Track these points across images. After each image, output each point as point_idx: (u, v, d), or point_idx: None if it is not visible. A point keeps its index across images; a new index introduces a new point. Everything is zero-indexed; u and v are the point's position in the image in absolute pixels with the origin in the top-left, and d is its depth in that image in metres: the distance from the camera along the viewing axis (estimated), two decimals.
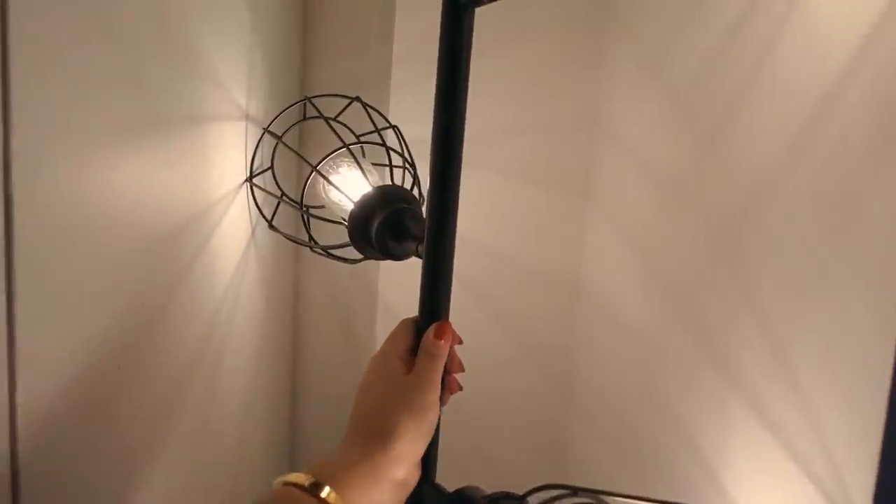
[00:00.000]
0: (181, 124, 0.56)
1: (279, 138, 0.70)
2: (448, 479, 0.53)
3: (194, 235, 0.60)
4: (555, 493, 0.45)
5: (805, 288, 0.45)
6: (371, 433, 0.43)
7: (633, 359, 0.73)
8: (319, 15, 0.85)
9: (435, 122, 0.48)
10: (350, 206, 0.64)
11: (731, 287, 0.53)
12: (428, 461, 0.50)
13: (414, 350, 0.48)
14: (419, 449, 0.45)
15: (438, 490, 0.51)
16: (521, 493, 0.47)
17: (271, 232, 0.75)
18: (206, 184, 0.62)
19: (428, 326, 0.48)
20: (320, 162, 0.67)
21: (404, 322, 0.50)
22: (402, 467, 0.43)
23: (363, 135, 0.71)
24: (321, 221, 0.71)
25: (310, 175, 0.67)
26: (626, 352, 0.75)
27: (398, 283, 0.85)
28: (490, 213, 0.87)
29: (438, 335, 0.47)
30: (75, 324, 0.45)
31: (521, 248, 0.90)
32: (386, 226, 0.59)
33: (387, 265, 0.81)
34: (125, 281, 0.50)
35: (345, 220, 0.65)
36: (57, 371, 0.43)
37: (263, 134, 0.71)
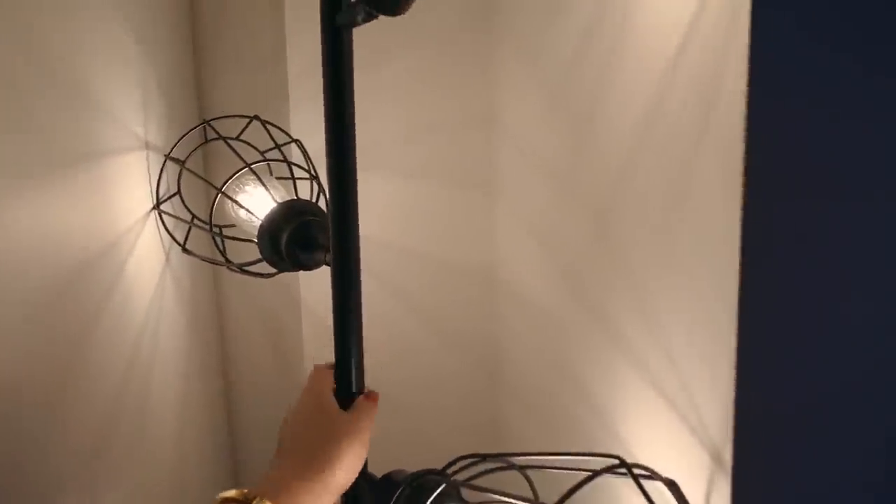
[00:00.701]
0: (78, 161, 0.57)
1: (182, 164, 0.72)
2: (384, 465, 0.57)
3: (105, 268, 0.61)
4: (468, 461, 0.50)
5: (663, 256, 0.51)
6: (313, 460, 0.48)
7: (545, 336, 0.79)
8: (211, 37, 0.86)
9: (326, 137, 0.52)
10: (258, 223, 0.67)
11: (610, 262, 0.59)
12: None
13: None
14: (354, 475, 0.50)
15: (367, 478, 0.55)
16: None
17: (186, 256, 0.76)
18: (112, 216, 0.63)
19: (343, 329, 0.52)
20: (225, 183, 0.69)
21: (319, 367, 0.55)
22: (339, 490, 0.48)
23: (265, 151, 0.74)
24: (235, 240, 0.74)
25: (215, 197, 0.69)
26: (540, 330, 0.81)
27: (319, 286, 0.88)
28: (402, 214, 0.91)
29: (373, 397, 0.53)
30: None
31: (435, 246, 0.94)
32: (294, 238, 0.62)
33: (305, 273, 0.84)
34: (39, 319, 0.51)
35: (254, 237, 0.67)
36: None
37: (165, 161, 0.73)
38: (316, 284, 0.87)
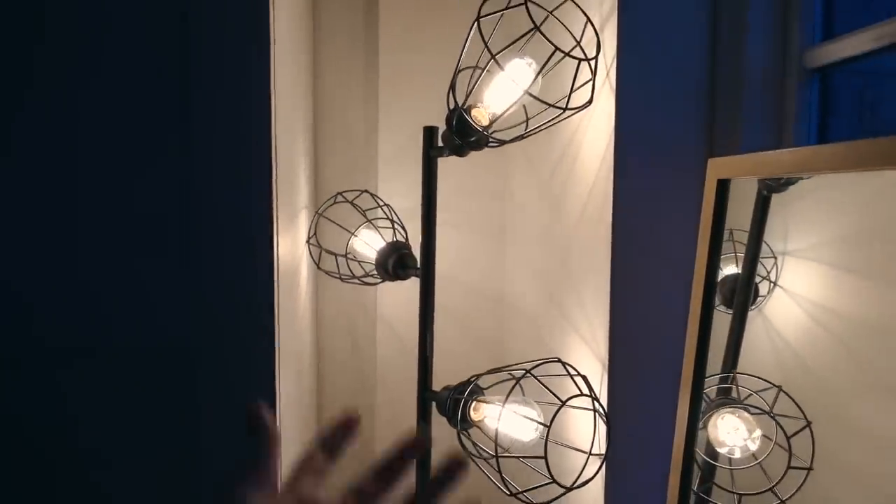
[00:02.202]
0: (294, 213, 1.08)
1: (321, 215, 1.23)
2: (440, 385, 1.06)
3: (297, 269, 1.12)
4: (482, 374, 0.98)
5: (586, 272, 1.01)
6: None
7: (532, 327, 1.29)
8: (326, 135, 1.39)
9: (422, 209, 1.02)
10: (370, 252, 1.18)
11: (566, 278, 1.09)
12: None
13: None
14: None
15: (430, 391, 1.03)
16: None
17: (315, 270, 1.27)
18: (298, 242, 1.14)
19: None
20: (356, 230, 1.20)
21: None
22: None
23: (367, 210, 1.25)
24: (337, 262, 1.24)
25: (350, 238, 1.20)
26: (529, 324, 1.30)
27: (391, 302, 1.39)
28: (450, 254, 1.43)
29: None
30: None
31: (467, 275, 1.45)
32: (397, 263, 1.12)
33: (382, 292, 1.34)
34: (287, 292, 1.01)
35: (368, 261, 1.18)
36: None
37: (315, 215, 1.24)
38: (388, 300, 1.38)
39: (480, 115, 0.92)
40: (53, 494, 0.81)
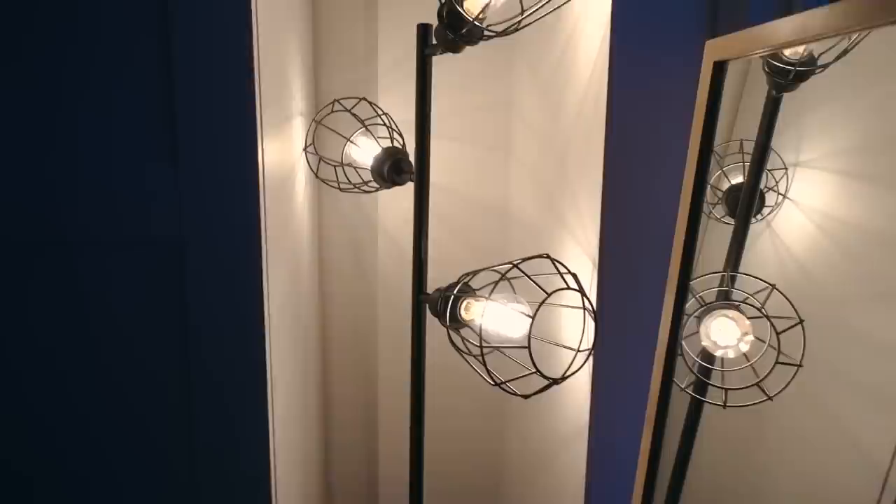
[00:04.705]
0: (285, 120, 1.07)
1: (319, 123, 1.22)
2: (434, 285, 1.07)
3: (293, 175, 1.12)
4: (471, 274, 0.99)
5: (583, 176, 0.98)
6: None
7: (532, 236, 1.28)
8: (325, 48, 1.36)
9: (416, 113, 1.00)
10: (366, 160, 1.16)
11: (564, 184, 1.07)
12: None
13: None
14: None
15: (424, 294, 1.04)
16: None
17: (314, 178, 1.27)
18: (293, 149, 1.13)
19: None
20: (352, 136, 1.19)
21: None
22: None
23: (366, 119, 1.23)
24: (336, 172, 1.23)
25: (346, 144, 1.19)
26: (529, 234, 1.30)
27: (391, 210, 1.39)
28: (451, 165, 1.41)
29: None
30: None
31: (473, 188, 1.44)
32: (392, 168, 1.11)
33: (383, 204, 1.34)
34: (275, 195, 1.01)
35: (363, 168, 1.17)
36: None
37: (311, 122, 1.23)
38: (390, 212, 1.38)
39: (472, 6, 0.88)
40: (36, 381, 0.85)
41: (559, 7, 0.84)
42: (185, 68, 0.77)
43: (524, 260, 0.86)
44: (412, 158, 1.04)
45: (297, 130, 1.21)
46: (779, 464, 1.11)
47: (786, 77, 0.94)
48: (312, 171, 1.26)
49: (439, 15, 0.91)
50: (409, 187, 1.14)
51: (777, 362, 0.88)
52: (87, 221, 0.79)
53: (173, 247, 0.79)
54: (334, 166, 1.24)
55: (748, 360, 0.95)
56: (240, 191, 0.78)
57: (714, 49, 0.78)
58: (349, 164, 1.22)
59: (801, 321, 0.90)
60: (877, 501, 0.95)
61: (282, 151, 1.04)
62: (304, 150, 1.24)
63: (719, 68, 0.78)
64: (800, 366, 0.89)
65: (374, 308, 1.51)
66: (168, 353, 0.83)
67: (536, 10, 0.85)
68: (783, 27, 0.68)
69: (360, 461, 1.59)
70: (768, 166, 1.12)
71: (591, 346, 0.87)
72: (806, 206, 1.15)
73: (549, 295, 0.80)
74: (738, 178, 1.15)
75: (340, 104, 1.24)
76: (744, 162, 1.12)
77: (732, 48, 0.76)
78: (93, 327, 0.82)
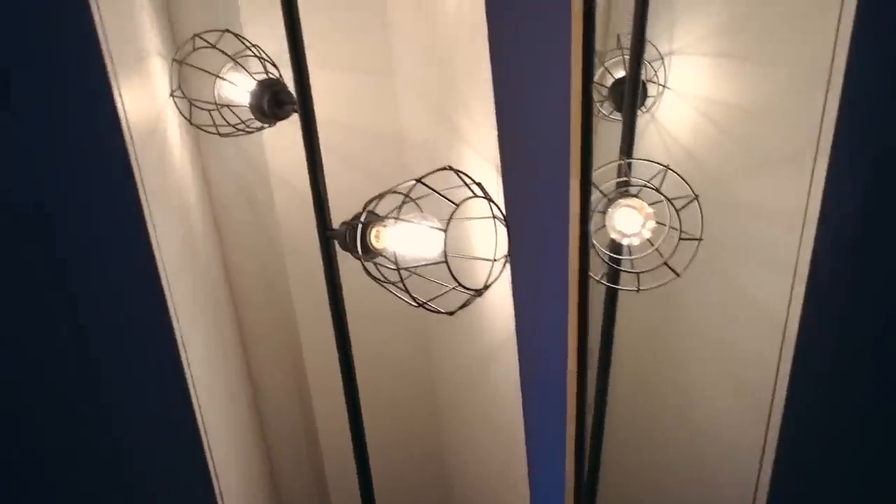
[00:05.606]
0: (137, 61, 0.96)
1: (182, 63, 1.10)
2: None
3: (160, 128, 1.01)
4: (377, 198, 0.95)
5: (466, 84, 0.96)
6: None
7: (434, 156, 1.25)
8: None
9: (289, 44, 0.92)
10: (242, 98, 1.07)
11: (453, 98, 1.04)
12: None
13: None
14: None
15: (331, 229, 1.00)
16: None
17: (189, 126, 1.16)
18: (155, 96, 1.02)
19: None
20: (221, 72, 1.09)
21: None
22: None
23: (235, 54, 1.13)
24: (212, 116, 1.13)
25: (215, 81, 1.09)
26: (430, 154, 1.26)
27: (277, 151, 1.31)
28: (335, 96, 1.33)
29: None
30: None
31: (361, 117, 1.37)
32: (273, 100, 1.03)
33: (268, 143, 1.26)
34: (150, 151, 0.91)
35: (240, 107, 1.08)
36: None
37: (173, 62, 1.11)
38: (278, 150, 1.29)
39: None
40: None
41: None
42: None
43: (427, 174, 0.83)
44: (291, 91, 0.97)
45: (159, 73, 1.09)
46: (691, 336, 1.19)
47: None
48: (185, 117, 1.15)
49: None
50: (294, 125, 1.07)
51: (680, 239, 0.92)
52: None
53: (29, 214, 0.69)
54: (209, 110, 1.13)
55: (653, 245, 0.99)
56: (102, 144, 0.69)
57: None
58: (225, 105, 1.12)
59: (696, 196, 0.94)
60: (779, 350, 1.04)
61: (144, 98, 0.94)
62: (171, 94, 1.12)
63: None
64: (700, 239, 0.94)
65: (281, 256, 1.44)
66: (54, 348, 0.74)
67: None
68: None
69: (293, 412, 1.56)
70: (645, 58, 1.15)
71: (506, 253, 0.87)
72: (683, 91, 1.19)
73: (457, 205, 0.78)
74: (619, 72, 1.17)
75: (203, 39, 1.12)
76: (623, 56, 1.13)
77: None
78: None
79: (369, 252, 0.93)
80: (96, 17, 0.71)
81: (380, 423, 1.52)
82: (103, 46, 0.72)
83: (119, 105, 0.76)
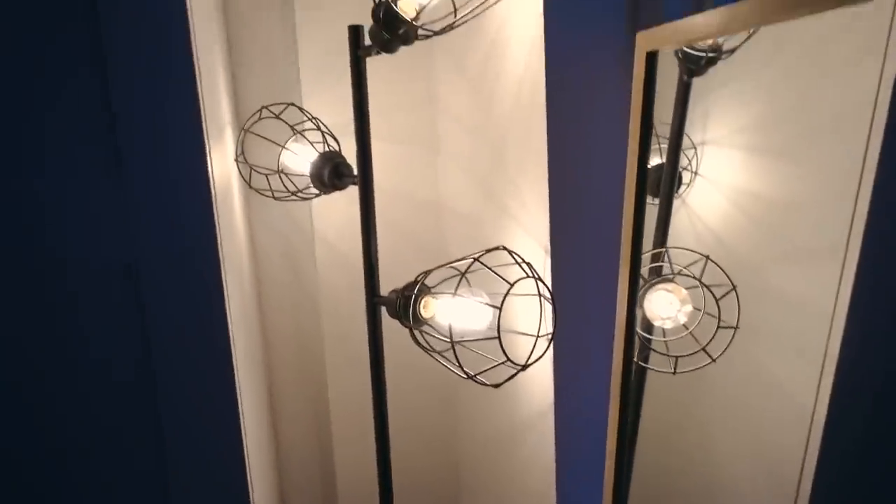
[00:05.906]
0: (221, 129, 1.03)
1: (247, 131, 1.18)
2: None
3: (230, 183, 1.08)
4: (426, 273, 1.00)
5: (522, 164, 1.02)
6: None
7: (470, 227, 1.31)
8: (240, 44, 1.32)
9: (355, 117, 1.00)
10: (303, 167, 1.14)
11: (502, 174, 1.11)
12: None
13: None
14: None
15: (378, 297, 1.04)
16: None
17: (246, 191, 1.23)
18: (227, 158, 1.09)
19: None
20: (284, 143, 1.16)
21: None
22: None
23: (296, 124, 1.20)
24: (269, 180, 1.20)
25: (280, 151, 1.16)
26: (467, 225, 1.32)
27: (328, 216, 1.37)
28: (385, 163, 1.40)
29: None
30: None
31: (403, 186, 1.44)
32: (333, 172, 1.10)
33: (317, 210, 1.32)
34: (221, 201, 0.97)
35: (300, 175, 1.15)
36: None
37: (241, 131, 1.19)
38: (325, 215, 1.36)
39: (407, 7, 0.89)
40: None
41: (493, 5, 0.86)
42: (121, 68, 0.73)
43: (483, 253, 0.88)
44: (349, 161, 1.04)
45: (229, 141, 1.16)
46: (722, 419, 1.21)
47: (697, 63, 1.02)
48: (245, 181, 1.22)
49: (374, 15, 0.91)
50: (343, 193, 1.14)
51: (719, 327, 0.96)
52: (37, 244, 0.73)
53: (126, 271, 0.74)
54: (267, 175, 1.20)
55: (687, 329, 1.03)
56: (196, 207, 0.75)
57: (645, 40, 0.83)
58: (283, 172, 1.19)
59: (735, 287, 0.98)
60: (805, 439, 1.05)
61: (221, 163, 1.01)
62: (236, 160, 1.20)
63: (651, 59, 0.83)
64: (737, 328, 0.97)
65: (318, 317, 1.48)
66: (136, 396, 0.78)
67: (473, 9, 0.87)
68: (713, 20, 0.73)
69: (314, 474, 1.57)
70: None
71: (551, 331, 0.90)
72: (715, 180, 1.25)
73: (512, 285, 0.83)
74: (654, 159, 1.23)
75: (269, 111, 1.20)
76: (659, 145, 1.20)
77: (662, 38, 0.82)
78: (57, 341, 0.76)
79: (418, 321, 0.97)
80: (199, 88, 0.78)
81: (403, 483, 1.52)
82: (203, 116, 0.79)
83: (209, 171, 0.82)
